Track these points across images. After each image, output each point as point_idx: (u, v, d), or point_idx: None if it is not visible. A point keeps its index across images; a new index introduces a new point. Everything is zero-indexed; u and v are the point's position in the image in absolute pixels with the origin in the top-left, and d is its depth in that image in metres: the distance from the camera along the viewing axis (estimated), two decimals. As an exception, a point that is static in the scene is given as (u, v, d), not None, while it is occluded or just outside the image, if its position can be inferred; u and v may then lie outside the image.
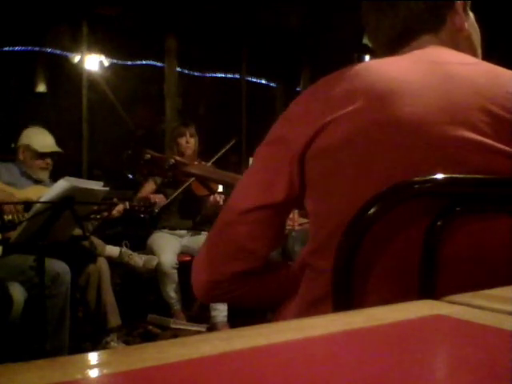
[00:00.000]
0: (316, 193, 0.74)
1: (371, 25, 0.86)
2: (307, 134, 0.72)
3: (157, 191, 3.41)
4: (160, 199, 3.29)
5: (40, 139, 2.85)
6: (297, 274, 0.86)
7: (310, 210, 0.76)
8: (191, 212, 3.43)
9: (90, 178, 2.84)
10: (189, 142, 3.41)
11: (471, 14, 0.86)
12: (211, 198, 3.30)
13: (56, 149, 2.90)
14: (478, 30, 0.87)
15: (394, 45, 0.83)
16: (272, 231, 0.80)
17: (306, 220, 3.54)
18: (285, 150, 0.74)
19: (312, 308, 0.73)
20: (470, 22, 0.85)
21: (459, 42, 0.83)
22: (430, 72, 0.72)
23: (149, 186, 3.41)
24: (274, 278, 0.88)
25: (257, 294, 0.86)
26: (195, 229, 3.44)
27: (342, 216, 0.66)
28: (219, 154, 3.39)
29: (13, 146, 2.96)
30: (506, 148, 0.68)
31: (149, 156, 1.25)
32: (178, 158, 1.27)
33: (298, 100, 0.78)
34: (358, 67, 0.75)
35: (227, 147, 3.39)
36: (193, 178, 3.22)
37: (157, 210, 3.24)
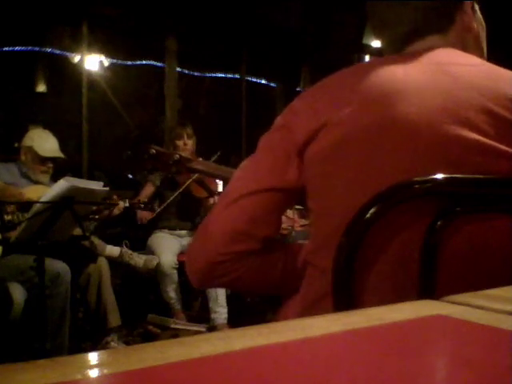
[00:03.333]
0: (317, 192, 0.74)
1: (378, 22, 0.85)
2: (309, 130, 0.72)
3: (156, 193, 3.42)
4: (147, 215, 3.32)
5: (43, 143, 2.84)
6: (296, 265, 0.85)
7: (311, 209, 0.77)
8: (190, 214, 3.43)
9: (91, 179, 2.83)
10: (186, 144, 3.42)
11: (478, 10, 0.85)
12: (210, 200, 3.30)
13: (58, 154, 2.88)
14: (484, 26, 0.86)
15: (401, 43, 0.82)
16: (273, 216, 0.79)
17: (306, 221, 3.54)
18: (292, 137, 0.75)
19: (313, 306, 0.73)
20: (477, 19, 0.84)
21: (467, 42, 0.82)
22: (433, 73, 0.72)
23: (148, 189, 3.41)
24: (273, 260, 0.86)
25: (255, 277, 0.84)
26: (195, 229, 3.44)
27: (343, 216, 0.66)
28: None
29: (16, 145, 2.94)
30: (508, 149, 0.68)
31: (154, 151, 1.25)
32: (182, 153, 1.28)
33: (303, 95, 0.79)
34: (362, 67, 0.75)
35: (213, 159, 3.38)
36: (192, 178, 3.22)
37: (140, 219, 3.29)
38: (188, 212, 3.42)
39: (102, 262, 2.79)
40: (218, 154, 3.36)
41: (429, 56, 0.76)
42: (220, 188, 3.46)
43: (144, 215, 3.34)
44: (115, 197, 2.90)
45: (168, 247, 3.24)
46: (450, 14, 0.81)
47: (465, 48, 0.81)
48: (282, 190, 0.76)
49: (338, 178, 0.71)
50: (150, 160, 1.26)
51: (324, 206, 0.74)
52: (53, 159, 2.86)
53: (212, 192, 3.31)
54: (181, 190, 3.29)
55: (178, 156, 1.25)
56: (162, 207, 3.31)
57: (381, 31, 0.86)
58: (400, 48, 0.82)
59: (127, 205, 2.95)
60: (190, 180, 3.23)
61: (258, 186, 0.76)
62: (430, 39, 0.80)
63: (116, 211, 2.87)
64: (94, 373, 0.27)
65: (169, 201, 3.31)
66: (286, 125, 0.76)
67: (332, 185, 0.72)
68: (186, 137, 3.42)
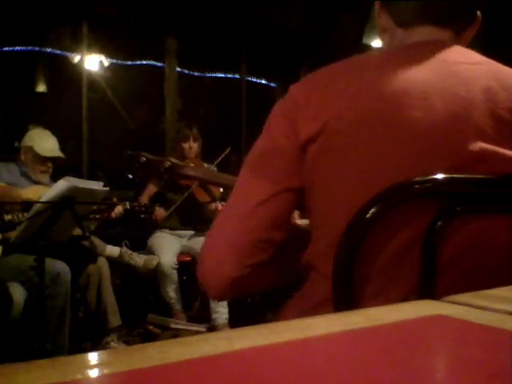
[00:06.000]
0: (318, 196, 0.73)
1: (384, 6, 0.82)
2: (312, 128, 0.70)
3: (158, 194, 3.41)
4: (161, 213, 3.29)
5: (43, 142, 2.84)
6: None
7: (312, 212, 0.76)
8: (192, 217, 3.41)
9: (93, 179, 2.82)
10: (192, 147, 3.43)
11: None
12: (213, 205, 3.29)
13: (58, 154, 2.88)
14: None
15: (422, 18, 0.78)
16: (289, 218, 0.77)
17: (307, 221, 3.52)
18: (296, 132, 0.72)
19: (314, 310, 0.73)
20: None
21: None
22: (439, 73, 0.71)
23: (150, 190, 3.41)
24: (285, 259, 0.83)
25: (274, 277, 0.82)
26: (196, 232, 3.43)
27: (346, 219, 0.66)
28: (216, 162, 3.40)
29: (16, 144, 2.94)
30: (511, 154, 0.68)
31: (144, 159, 1.22)
32: (173, 160, 1.24)
33: (306, 85, 0.75)
34: (367, 59, 0.73)
35: (223, 155, 3.39)
36: (195, 184, 3.22)
37: (155, 216, 3.26)
38: (190, 215, 3.41)
39: (102, 262, 2.79)
40: (228, 149, 3.37)
41: (434, 52, 0.74)
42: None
43: (159, 213, 3.31)
44: (115, 199, 2.90)
45: (168, 247, 3.24)
46: (472, 16, 0.78)
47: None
48: (296, 189, 0.74)
49: (340, 180, 0.70)
50: (141, 168, 1.23)
51: (327, 211, 0.73)
52: (53, 159, 2.87)
53: (215, 197, 3.30)
54: (186, 195, 3.28)
55: (169, 163, 1.22)
56: (172, 209, 3.30)
57: (385, 13, 0.81)
58: (417, 23, 0.78)
59: (127, 207, 2.94)
60: (195, 185, 3.23)
61: (274, 188, 0.73)
62: (428, 29, 0.78)
63: (115, 215, 2.86)
64: (93, 373, 0.27)
65: (173, 207, 3.30)
66: (288, 116, 0.73)
67: (334, 189, 0.71)
68: (191, 139, 3.43)
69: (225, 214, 0.78)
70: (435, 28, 0.78)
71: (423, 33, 0.78)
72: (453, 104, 0.69)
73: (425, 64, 0.72)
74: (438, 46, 0.76)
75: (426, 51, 0.74)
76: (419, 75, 0.71)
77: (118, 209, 2.87)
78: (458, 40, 0.79)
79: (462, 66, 0.73)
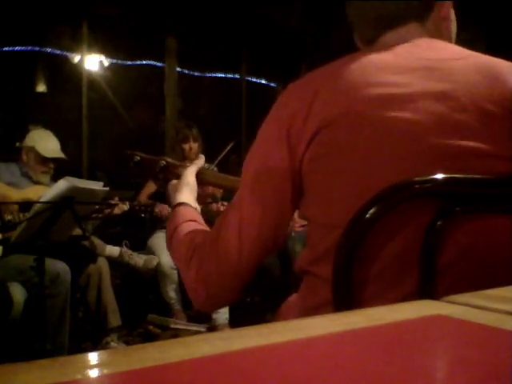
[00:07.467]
0: (315, 200, 0.73)
1: (354, 9, 0.84)
2: (307, 138, 0.70)
3: (158, 193, 3.40)
4: (163, 208, 3.28)
5: (45, 143, 2.85)
6: None
7: (309, 217, 0.75)
8: None
9: (93, 179, 2.82)
10: (192, 148, 3.42)
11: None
12: (214, 206, 3.28)
13: (60, 155, 2.89)
14: (455, 21, 0.86)
15: (380, 27, 0.80)
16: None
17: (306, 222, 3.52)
18: (294, 151, 0.73)
19: (315, 311, 0.72)
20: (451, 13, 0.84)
21: (442, 31, 0.82)
22: (424, 72, 0.71)
23: (149, 188, 3.40)
24: None
25: None
26: None
27: (344, 224, 0.66)
28: (219, 158, 3.39)
29: (17, 145, 2.95)
30: (502, 150, 0.68)
31: (138, 158, 1.19)
32: (168, 159, 1.22)
33: (285, 97, 0.76)
34: (352, 66, 0.73)
35: (226, 150, 3.38)
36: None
37: (158, 212, 3.23)
38: None
39: (102, 262, 2.79)
40: (232, 144, 3.34)
41: (416, 51, 0.74)
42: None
43: (163, 209, 3.30)
44: (116, 198, 2.89)
45: (168, 247, 3.23)
46: (430, 1, 0.80)
47: (440, 37, 0.80)
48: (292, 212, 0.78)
49: (337, 187, 0.70)
50: (136, 168, 1.21)
51: (324, 215, 0.72)
52: (54, 160, 2.87)
53: (216, 197, 3.29)
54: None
55: (164, 162, 1.19)
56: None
57: (357, 17, 0.84)
58: (378, 34, 0.80)
59: (127, 207, 2.93)
60: None
61: (274, 215, 0.76)
62: (410, 27, 0.79)
63: (118, 210, 2.86)
64: (93, 373, 0.27)
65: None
66: (284, 133, 0.73)
67: (332, 194, 0.71)
68: (191, 140, 3.42)
69: (227, 236, 0.78)
70: (401, 28, 0.79)
71: (392, 39, 0.79)
72: (439, 103, 0.69)
73: (409, 65, 0.72)
74: (420, 44, 0.76)
75: (408, 52, 0.74)
76: (405, 78, 0.70)
77: (122, 206, 2.87)
78: (430, 25, 0.80)
79: (446, 63, 0.72)
